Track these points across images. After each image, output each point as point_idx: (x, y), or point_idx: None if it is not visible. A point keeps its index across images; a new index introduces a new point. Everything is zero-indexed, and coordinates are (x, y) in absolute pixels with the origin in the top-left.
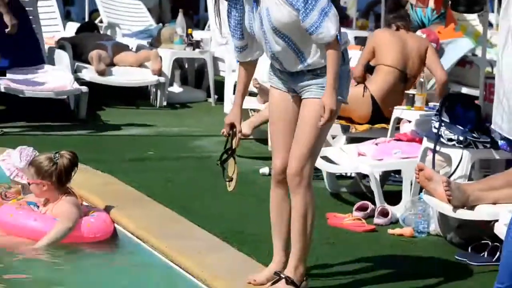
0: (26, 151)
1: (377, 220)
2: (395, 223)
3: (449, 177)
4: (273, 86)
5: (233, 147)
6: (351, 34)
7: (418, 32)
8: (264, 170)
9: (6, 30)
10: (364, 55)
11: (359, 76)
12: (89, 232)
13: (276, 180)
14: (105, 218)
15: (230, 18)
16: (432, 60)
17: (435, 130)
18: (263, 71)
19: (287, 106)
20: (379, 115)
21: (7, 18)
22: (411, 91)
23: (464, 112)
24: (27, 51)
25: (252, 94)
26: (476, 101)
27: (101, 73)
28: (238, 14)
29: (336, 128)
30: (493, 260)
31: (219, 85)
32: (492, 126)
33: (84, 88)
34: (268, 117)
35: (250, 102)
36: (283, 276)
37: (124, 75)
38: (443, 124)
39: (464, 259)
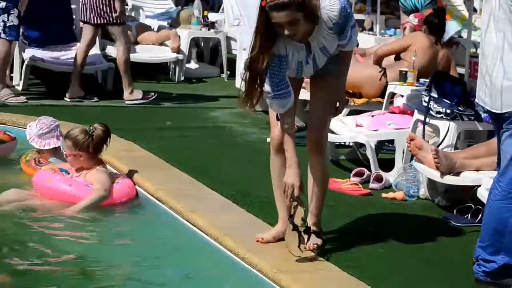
0: (44, 120)
1: (372, 185)
2: (388, 187)
3: (438, 146)
4: None
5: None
6: None
7: (411, 16)
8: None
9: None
10: (397, 47)
11: (379, 59)
12: (116, 197)
13: (275, 149)
14: (129, 184)
15: (273, 77)
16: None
17: (425, 104)
18: None
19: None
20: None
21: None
22: (404, 68)
23: (451, 87)
24: (62, 29)
25: None
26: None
27: None
28: (284, 70)
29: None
30: (476, 221)
31: (232, 62)
32: (476, 100)
33: (111, 64)
34: None
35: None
36: (312, 231)
37: (147, 52)
38: (432, 98)
39: (450, 220)
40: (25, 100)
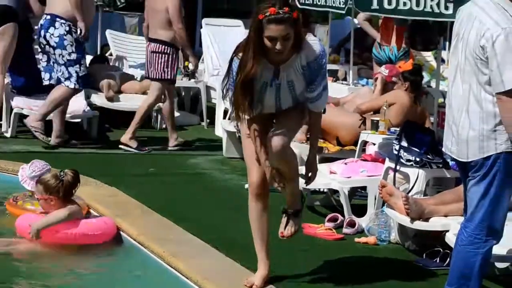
0: (37, 163)
1: (346, 230)
2: (361, 232)
3: (408, 193)
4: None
5: None
6: None
7: (382, 68)
8: None
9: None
10: (380, 104)
11: (364, 112)
12: (89, 229)
13: (254, 194)
14: (106, 220)
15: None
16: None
17: (395, 152)
18: None
19: (260, 125)
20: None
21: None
22: (375, 118)
23: (421, 136)
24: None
25: None
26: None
27: (110, 99)
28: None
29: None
30: (444, 265)
31: (211, 110)
32: (444, 149)
33: (96, 112)
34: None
35: (228, 125)
36: (290, 212)
37: (130, 101)
38: (402, 147)
39: (420, 264)
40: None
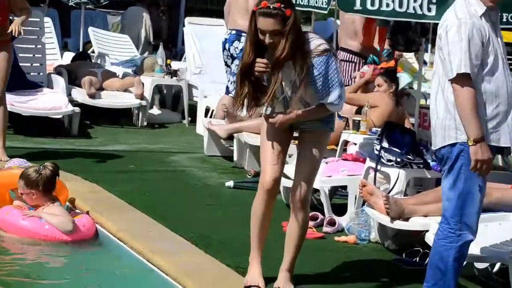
0: (15, 161)
1: (326, 228)
2: (341, 231)
3: (388, 192)
4: (268, 114)
5: None
6: None
7: (365, 67)
8: (229, 183)
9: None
10: (362, 101)
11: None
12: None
13: (264, 190)
14: (85, 222)
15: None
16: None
17: (376, 152)
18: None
19: (280, 132)
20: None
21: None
22: (357, 118)
23: (401, 137)
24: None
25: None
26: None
27: (92, 96)
28: None
29: (292, 148)
30: (424, 264)
31: (193, 109)
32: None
33: (77, 109)
34: (243, 129)
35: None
36: None
37: (111, 98)
38: (383, 147)
39: (399, 263)
40: None
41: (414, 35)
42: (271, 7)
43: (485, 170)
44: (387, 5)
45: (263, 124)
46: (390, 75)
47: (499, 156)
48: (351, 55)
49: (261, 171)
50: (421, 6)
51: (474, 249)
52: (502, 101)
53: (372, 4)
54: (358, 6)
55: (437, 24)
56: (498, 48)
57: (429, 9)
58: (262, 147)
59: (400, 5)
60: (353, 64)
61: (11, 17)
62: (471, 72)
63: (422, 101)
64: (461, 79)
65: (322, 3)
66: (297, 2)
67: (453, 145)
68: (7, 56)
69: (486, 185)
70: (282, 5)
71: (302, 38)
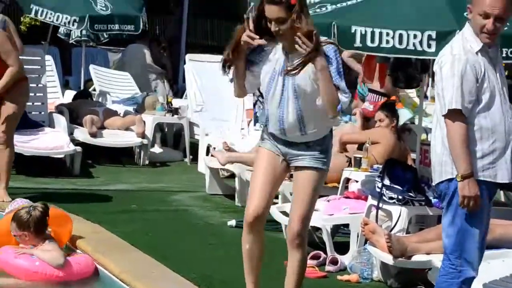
0: (19, 201)
1: (328, 267)
2: (343, 270)
3: (390, 230)
4: (264, 148)
5: None
6: None
7: (366, 103)
8: (231, 222)
9: None
10: (363, 139)
11: (344, 145)
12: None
13: (247, 223)
14: (82, 260)
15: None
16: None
17: (378, 190)
18: (233, 137)
19: (274, 163)
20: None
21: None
22: (358, 155)
23: (403, 174)
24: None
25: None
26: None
27: (93, 135)
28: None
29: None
30: None
31: (194, 147)
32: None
33: (78, 148)
34: (245, 161)
35: (212, 162)
36: None
37: (113, 137)
38: (384, 185)
39: None
40: None
41: (415, 71)
42: None
43: (472, 206)
44: (387, 41)
45: (256, 157)
46: (391, 109)
47: (501, 192)
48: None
49: (247, 203)
50: (421, 42)
51: (476, 286)
52: (498, 137)
53: (372, 41)
54: (358, 43)
55: None
56: (496, 84)
57: (429, 46)
58: (252, 179)
59: (400, 42)
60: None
61: None
62: (462, 108)
63: (423, 136)
64: (452, 115)
65: None
66: None
67: (450, 180)
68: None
69: (489, 221)
70: None
71: (309, 26)
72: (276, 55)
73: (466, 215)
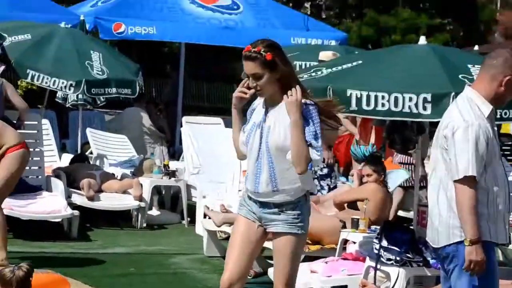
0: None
1: None
2: None
3: None
4: (241, 215)
5: None
6: None
7: (362, 164)
8: None
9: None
10: (353, 197)
11: (339, 207)
12: None
13: None
14: None
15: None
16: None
17: (376, 251)
18: (230, 199)
19: (249, 232)
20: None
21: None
22: (356, 216)
23: (400, 235)
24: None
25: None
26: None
27: (91, 198)
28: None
29: None
30: None
31: (192, 209)
32: (427, 239)
33: (76, 212)
34: None
35: (209, 224)
36: None
37: (110, 200)
38: (382, 247)
39: None
40: None
41: (411, 133)
42: (252, 50)
43: (477, 270)
44: (383, 105)
45: (234, 225)
46: (377, 163)
47: (500, 252)
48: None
49: (223, 272)
50: (416, 105)
51: None
52: (501, 201)
53: (368, 104)
54: (353, 106)
55: (434, 122)
56: (497, 147)
57: (424, 108)
58: (228, 248)
59: (396, 105)
60: None
61: None
62: (477, 174)
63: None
64: (466, 181)
65: None
66: None
67: (459, 243)
68: (7, 165)
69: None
70: (263, 49)
71: (289, 79)
72: (259, 110)
73: (482, 277)
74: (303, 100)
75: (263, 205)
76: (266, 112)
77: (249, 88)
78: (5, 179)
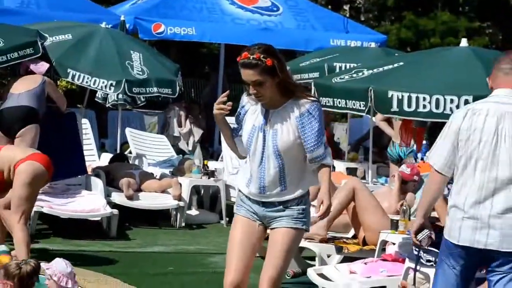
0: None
1: None
2: None
3: None
4: (239, 215)
5: None
6: (343, 165)
7: (403, 166)
8: None
9: None
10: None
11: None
12: None
13: None
14: None
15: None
16: None
17: (415, 252)
18: None
19: (249, 232)
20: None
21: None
22: (395, 217)
23: (440, 236)
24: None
25: None
26: None
27: (130, 198)
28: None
29: (330, 248)
30: None
31: (230, 209)
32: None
33: (115, 211)
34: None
35: None
36: None
37: (149, 200)
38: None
39: None
40: None
41: None
42: (251, 57)
43: None
44: (424, 106)
45: (232, 226)
46: None
47: None
48: None
49: (225, 274)
50: (458, 107)
51: None
52: None
53: (409, 105)
54: (395, 107)
55: None
56: None
57: None
58: (228, 249)
59: (437, 107)
60: None
61: None
62: None
63: None
64: None
65: (360, 106)
66: (335, 104)
67: None
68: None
69: None
70: (262, 56)
71: (292, 84)
72: (256, 112)
73: None
74: (308, 98)
75: (266, 204)
76: (267, 116)
77: (224, 102)
78: (17, 197)
